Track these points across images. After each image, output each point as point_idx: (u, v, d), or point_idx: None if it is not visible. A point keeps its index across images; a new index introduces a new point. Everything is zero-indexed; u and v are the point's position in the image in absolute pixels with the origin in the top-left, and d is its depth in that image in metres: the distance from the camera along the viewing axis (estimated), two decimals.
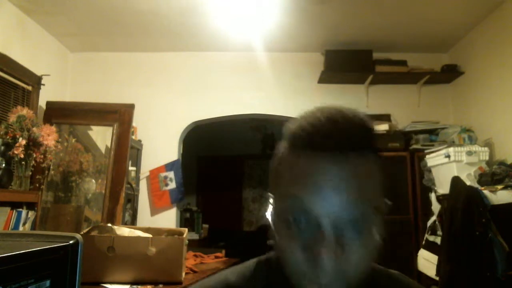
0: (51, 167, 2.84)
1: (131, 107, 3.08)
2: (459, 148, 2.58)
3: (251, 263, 0.65)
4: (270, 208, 0.56)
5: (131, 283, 1.67)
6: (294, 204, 0.50)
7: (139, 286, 1.66)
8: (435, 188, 2.76)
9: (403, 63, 3.46)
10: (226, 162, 6.47)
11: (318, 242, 0.48)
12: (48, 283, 0.55)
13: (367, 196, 0.50)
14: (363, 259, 0.50)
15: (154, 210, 3.49)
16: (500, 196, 2.13)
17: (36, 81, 3.03)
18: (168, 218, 3.47)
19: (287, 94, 3.59)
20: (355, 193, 0.49)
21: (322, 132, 0.51)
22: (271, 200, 0.57)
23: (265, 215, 0.57)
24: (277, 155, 0.58)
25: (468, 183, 2.35)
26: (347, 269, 0.49)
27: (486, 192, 2.14)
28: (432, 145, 3.11)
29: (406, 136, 3.25)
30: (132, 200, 3.28)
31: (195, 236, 4.54)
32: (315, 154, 0.50)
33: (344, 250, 0.49)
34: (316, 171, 0.50)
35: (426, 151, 3.05)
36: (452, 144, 2.95)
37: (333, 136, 0.50)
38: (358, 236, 0.50)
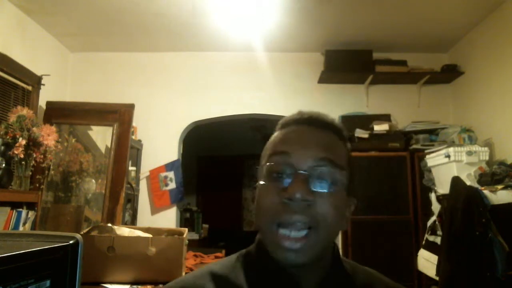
0: (51, 167, 2.84)
1: (131, 107, 3.08)
2: (459, 148, 2.58)
3: (233, 256, 0.72)
4: (260, 173, 0.66)
5: (131, 283, 1.67)
6: (280, 158, 0.62)
7: (139, 286, 1.66)
8: (435, 188, 2.76)
9: (403, 63, 3.46)
10: (226, 162, 6.48)
11: (294, 183, 0.58)
12: (48, 283, 0.55)
13: (333, 160, 0.62)
14: (328, 213, 0.59)
15: (154, 210, 3.49)
16: (500, 196, 2.13)
17: (36, 81, 3.03)
18: (168, 218, 3.47)
19: (287, 94, 3.59)
20: (324, 153, 0.62)
21: (305, 115, 0.68)
22: (261, 167, 0.67)
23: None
24: (270, 138, 0.71)
25: (468, 183, 2.35)
26: (315, 215, 0.58)
27: (486, 192, 2.14)
28: (432, 145, 3.11)
29: (406, 136, 3.25)
30: (132, 200, 3.28)
31: (195, 236, 4.54)
32: (298, 127, 0.66)
33: (314, 196, 0.58)
34: (298, 136, 0.65)
35: (426, 151, 3.05)
36: (452, 144, 2.96)
37: (312, 117, 0.68)
38: (326, 191, 0.60)
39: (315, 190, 0.59)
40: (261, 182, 0.63)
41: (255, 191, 0.67)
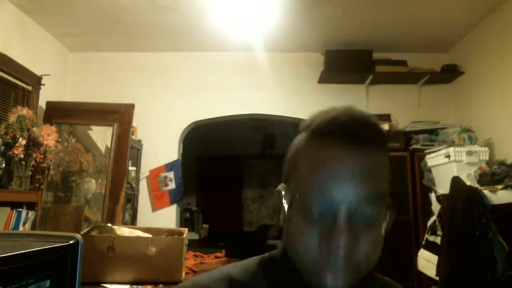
0: (51, 167, 2.84)
1: (131, 107, 3.08)
2: (459, 148, 2.58)
3: (254, 260, 0.65)
4: (283, 197, 0.59)
5: (131, 283, 1.67)
6: (313, 192, 0.53)
7: (139, 286, 1.66)
8: (435, 188, 2.76)
9: (403, 63, 3.46)
10: (226, 162, 6.48)
11: (333, 229, 0.51)
12: (48, 283, 0.55)
13: (382, 191, 0.53)
14: (372, 252, 0.53)
15: (154, 210, 3.49)
16: (500, 196, 2.13)
17: (36, 81, 3.03)
18: (168, 218, 3.47)
19: (287, 94, 3.59)
20: (373, 186, 0.52)
21: (347, 123, 0.54)
22: (284, 189, 0.59)
23: (282, 207, 0.59)
24: (294, 146, 0.60)
25: (468, 183, 2.35)
26: (358, 259, 0.52)
27: (486, 192, 2.14)
28: (432, 145, 3.11)
29: (406, 136, 3.25)
30: (132, 200, 3.28)
31: (195, 236, 4.54)
32: (337, 145, 0.54)
33: (357, 240, 0.51)
34: (339, 163, 0.53)
35: (426, 151, 3.05)
36: (452, 144, 2.95)
37: (355, 128, 0.54)
38: (370, 229, 0.53)
39: (359, 230, 0.52)
40: (295, 210, 0.55)
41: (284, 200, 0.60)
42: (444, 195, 2.56)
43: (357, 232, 0.52)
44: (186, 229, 1.92)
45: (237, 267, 0.64)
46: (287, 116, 3.61)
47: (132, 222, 3.27)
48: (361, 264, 0.53)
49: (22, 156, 2.31)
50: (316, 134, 0.56)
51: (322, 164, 0.54)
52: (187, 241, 1.86)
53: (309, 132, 0.58)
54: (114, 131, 3.00)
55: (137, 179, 3.43)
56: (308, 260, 0.54)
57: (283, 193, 0.60)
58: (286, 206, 0.58)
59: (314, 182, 0.53)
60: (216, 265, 2.55)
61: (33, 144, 2.42)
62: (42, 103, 3.08)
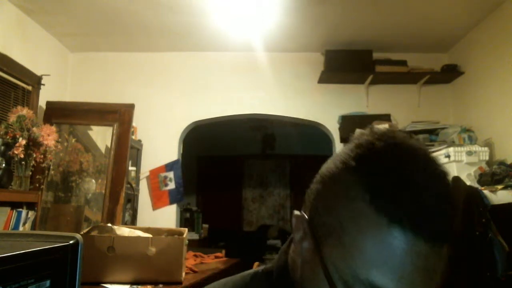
0: (51, 167, 2.84)
1: (131, 107, 3.08)
2: (459, 148, 2.58)
3: (246, 275, 0.61)
4: (304, 230, 0.52)
5: (131, 283, 1.67)
6: (365, 277, 0.45)
7: (139, 286, 1.66)
8: None
9: (403, 63, 3.46)
10: (226, 162, 6.48)
11: None
12: (48, 283, 0.55)
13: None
14: None
15: (154, 210, 3.49)
16: (500, 196, 2.13)
17: (36, 81, 3.03)
18: (168, 218, 3.47)
19: (287, 94, 3.59)
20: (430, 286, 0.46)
21: (434, 222, 0.45)
22: (306, 222, 0.52)
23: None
24: (356, 208, 0.47)
25: (468, 183, 2.35)
26: None
27: (486, 192, 2.14)
28: (432, 145, 3.11)
29: None
30: (132, 200, 3.28)
31: (195, 236, 4.55)
32: (415, 244, 0.44)
33: None
34: (410, 267, 0.44)
35: None
36: (452, 144, 2.95)
37: (445, 226, 0.46)
38: None
39: None
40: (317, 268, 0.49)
41: (307, 249, 0.52)
42: None
43: None
44: (186, 229, 1.93)
45: (226, 285, 0.60)
46: (287, 116, 3.61)
47: (132, 222, 3.27)
48: None
49: (22, 156, 2.31)
50: (399, 213, 0.44)
51: (392, 262, 0.44)
52: (187, 241, 1.86)
53: (384, 194, 0.45)
54: (114, 131, 3.00)
55: (137, 179, 3.43)
56: None
57: (304, 224, 0.52)
58: (311, 257, 0.51)
59: (375, 279, 0.44)
60: (216, 265, 2.55)
61: (33, 144, 2.42)
62: (42, 103, 3.08)
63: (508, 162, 2.54)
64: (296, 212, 0.54)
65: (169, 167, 3.50)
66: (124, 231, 1.80)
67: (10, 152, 2.27)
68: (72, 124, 3.05)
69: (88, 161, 2.97)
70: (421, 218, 0.44)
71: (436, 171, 0.49)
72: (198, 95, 3.62)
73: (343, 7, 2.87)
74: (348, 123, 3.34)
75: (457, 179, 2.36)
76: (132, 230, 1.84)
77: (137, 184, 3.42)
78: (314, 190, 0.53)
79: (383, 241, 0.44)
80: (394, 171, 0.46)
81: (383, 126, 3.16)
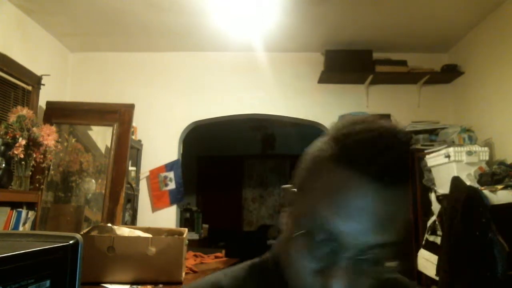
0: (51, 167, 2.84)
1: (131, 107, 3.08)
2: (459, 148, 2.57)
3: (244, 265, 0.63)
4: (288, 208, 0.56)
5: (131, 283, 1.67)
6: (322, 220, 0.49)
7: (139, 286, 1.66)
8: (435, 188, 2.76)
9: (403, 63, 3.46)
10: (226, 162, 6.48)
11: (335, 266, 0.48)
12: (48, 283, 0.55)
13: (394, 240, 0.49)
14: None
15: (154, 210, 3.49)
16: (500, 196, 2.13)
17: (36, 81, 3.03)
18: (168, 218, 3.47)
19: (287, 94, 3.59)
20: (389, 234, 0.48)
21: (384, 158, 0.47)
22: (293, 193, 0.56)
23: (280, 213, 0.57)
24: (317, 153, 0.54)
25: (468, 183, 2.35)
26: None
27: (486, 192, 2.14)
28: (432, 145, 3.11)
29: None
30: (132, 200, 3.28)
31: (195, 236, 4.55)
32: (359, 176, 0.48)
33: (357, 281, 0.48)
34: (361, 204, 0.47)
35: (426, 151, 3.05)
36: (452, 144, 2.95)
37: (392, 166, 0.48)
38: (374, 271, 0.49)
39: (359, 274, 0.49)
40: (302, 244, 0.51)
41: (289, 215, 0.57)
42: (444, 195, 2.56)
43: (356, 277, 0.48)
44: (186, 229, 1.93)
45: (226, 275, 0.61)
46: (287, 116, 3.61)
47: (132, 222, 3.27)
48: None
49: (22, 156, 2.31)
50: (346, 155, 0.49)
51: (343, 200, 0.48)
52: (187, 241, 1.86)
53: (339, 146, 0.51)
54: (114, 131, 3.00)
55: (137, 179, 3.43)
56: (302, 284, 0.51)
57: (292, 194, 0.56)
58: (290, 220, 0.55)
59: (329, 216, 0.48)
60: (216, 265, 2.55)
61: (33, 144, 2.42)
62: (42, 103, 3.08)
63: (508, 162, 2.54)
64: (284, 186, 0.59)
65: (169, 167, 3.50)
66: (124, 231, 1.80)
67: (10, 152, 2.27)
68: (72, 124, 3.05)
69: (88, 161, 2.97)
70: (364, 157, 0.47)
71: (384, 127, 0.50)
72: (198, 95, 3.62)
73: (343, 7, 2.87)
74: None
75: (457, 179, 2.36)
76: (132, 230, 1.84)
77: (137, 184, 3.42)
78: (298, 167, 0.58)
79: (334, 183, 0.49)
80: (349, 130, 0.51)
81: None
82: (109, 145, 2.99)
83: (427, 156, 2.87)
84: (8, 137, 2.30)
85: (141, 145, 3.48)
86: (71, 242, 0.60)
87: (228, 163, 6.50)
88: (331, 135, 0.53)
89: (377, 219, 0.47)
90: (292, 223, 0.54)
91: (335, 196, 0.48)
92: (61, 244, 0.59)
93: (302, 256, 0.51)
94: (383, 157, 0.47)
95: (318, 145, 0.55)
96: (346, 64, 3.42)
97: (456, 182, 2.34)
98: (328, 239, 0.48)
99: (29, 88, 2.99)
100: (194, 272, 2.13)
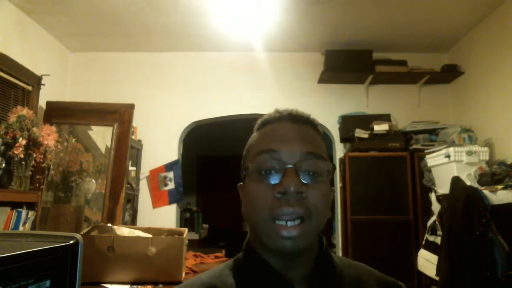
0: (51, 167, 2.84)
1: (131, 107, 3.08)
2: (459, 148, 2.57)
3: (223, 264, 0.73)
4: (246, 172, 0.68)
5: (131, 283, 1.67)
6: (268, 155, 0.64)
7: (139, 286, 1.66)
8: (435, 188, 2.76)
9: (403, 63, 3.46)
10: (226, 162, 6.46)
11: (285, 178, 0.61)
12: (48, 283, 0.55)
13: (319, 153, 0.66)
14: (321, 203, 0.63)
15: (154, 210, 3.49)
16: (500, 196, 2.12)
17: (36, 81, 3.03)
18: (168, 218, 3.47)
19: (287, 94, 3.59)
20: (311, 146, 0.65)
21: (284, 112, 0.72)
22: (246, 166, 0.69)
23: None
24: (248, 144, 0.73)
25: (468, 183, 2.35)
26: (308, 205, 0.61)
27: (486, 192, 2.14)
28: (432, 145, 3.11)
29: (406, 136, 3.24)
30: (132, 200, 3.28)
31: (195, 236, 4.54)
32: (280, 125, 0.69)
33: (306, 187, 0.61)
34: (282, 133, 0.67)
35: (426, 151, 3.05)
36: (452, 144, 2.95)
37: (292, 114, 0.71)
38: (316, 183, 0.63)
39: (305, 182, 0.62)
40: (250, 181, 0.65)
41: (241, 192, 0.71)
42: (444, 195, 2.56)
43: (305, 184, 0.61)
44: (186, 229, 1.93)
45: (208, 273, 0.71)
46: None
47: (132, 222, 3.27)
48: (311, 211, 0.61)
49: (22, 156, 2.31)
50: (262, 124, 0.72)
51: (271, 134, 0.68)
52: (187, 241, 1.86)
53: (257, 126, 0.73)
54: (114, 131, 3.00)
55: (137, 179, 3.43)
56: (263, 215, 0.61)
57: (241, 187, 0.71)
58: (243, 188, 0.69)
59: (265, 145, 0.65)
60: (216, 265, 2.55)
61: (33, 144, 2.42)
62: (42, 103, 3.08)
63: (508, 162, 2.54)
64: (238, 185, 0.73)
65: (169, 167, 3.50)
66: (124, 231, 1.80)
67: (10, 152, 2.27)
68: (72, 124, 3.05)
69: (88, 161, 2.97)
70: (273, 115, 0.73)
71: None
72: (198, 95, 3.62)
73: (343, 7, 2.87)
74: (348, 123, 3.34)
75: (457, 179, 2.36)
76: (132, 230, 1.84)
77: (137, 184, 3.42)
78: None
79: (262, 133, 0.71)
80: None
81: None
82: (109, 145, 2.99)
83: (427, 156, 2.87)
84: (8, 137, 2.30)
85: (141, 145, 3.48)
86: (71, 242, 0.60)
87: (228, 163, 6.47)
88: (254, 130, 0.75)
89: (297, 137, 0.66)
90: (243, 189, 0.69)
91: (267, 135, 0.68)
92: (61, 244, 0.59)
93: (258, 191, 0.63)
94: (288, 110, 0.72)
95: (248, 143, 0.74)
96: (346, 64, 3.42)
97: (456, 182, 2.34)
98: (273, 164, 0.63)
99: (29, 88, 2.99)
100: (194, 272, 2.13)
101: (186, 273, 1.93)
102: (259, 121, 0.74)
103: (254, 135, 0.73)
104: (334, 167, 0.67)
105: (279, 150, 0.64)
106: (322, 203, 0.63)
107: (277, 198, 0.61)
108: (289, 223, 0.60)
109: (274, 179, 0.62)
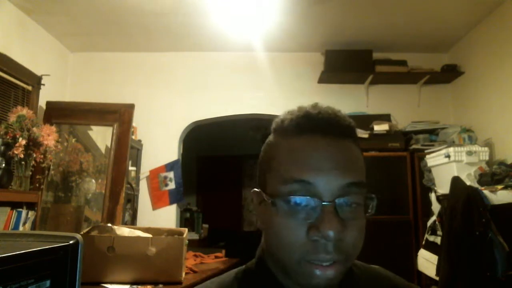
0: (51, 167, 2.84)
1: (131, 107, 3.08)
2: (459, 148, 2.57)
3: (232, 272, 0.66)
4: (261, 199, 0.59)
5: (131, 283, 1.67)
6: (301, 187, 0.53)
7: (139, 286, 1.66)
8: (435, 188, 2.76)
9: (403, 63, 3.46)
10: (226, 162, 6.47)
11: (322, 218, 0.52)
12: (48, 283, 0.55)
13: (361, 180, 0.56)
14: (358, 241, 0.55)
15: (154, 210, 3.49)
16: (500, 196, 2.12)
17: (36, 81, 3.03)
18: (168, 218, 3.47)
19: (287, 94, 3.59)
20: (352, 175, 0.54)
21: (320, 119, 0.56)
22: (260, 192, 0.60)
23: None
24: (268, 147, 0.62)
25: (468, 183, 2.35)
26: (346, 249, 0.53)
27: (486, 192, 2.14)
28: (432, 145, 3.11)
29: (406, 136, 3.24)
30: (132, 200, 3.28)
31: (195, 236, 4.54)
32: (313, 139, 0.56)
33: (345, 228, 0.52)
34: (317, 156, 0.54)
35: (426, 151, 3.05)
36: (452, 144, 2.95)
37: (330, 123, 0.56)
38: (354, 219, 0.54)
39: (344, 219, 0.53)
40: (276, 210, 0.55)
41: (261, 203, 0.61)
42: (444, 195, 2.56)
43: (343, 221, 0.53)
44: (186, 229, 1.93)
45: (214, 283, 0.64)
46: None
47: (132, 222, 3.27)
48: (349, 254, 0.54)
49: (22, 156, 2.31)
50: (290, 131, 0.58)
51: (305, 157, 0.55)
52: (187, 241, 1.86)
53: (282, 131, 0.60)
54: (114, 131, 3.00)
55: (137, 179, 3.43)
56: (295, 256, 0.53)
57: (261, 193, 0.60)
58: (265, 207, 0.58)
59: (298, 174, 0.54)
60: (216, 265, 2.55)
61: (33, 144, 2.42)
62: (42, 103, 3.08)
63: (508, 162, 2.54)
64: (253, 190, 0.64)
65: (169, 167, 3.50)
66: (124, 231, 1.80)
67: (10, 152, 2.27)
68: (72, 124, 3.05)
69: (88, 161, 2.97)
70: (301, 120, 0.58)
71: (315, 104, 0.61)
72: (198, 95, 3.62)
73: (343, 7, 2.87)
74: None
75: (457, 179, 2.36)
76: (132, 230, 1.84)
77: (137, 184, 3.42)
78: (258, 169, 0.65)
79: (287, 146, 0.57)
80: (284, 117, 0.62)
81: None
82: (109, 145, 2.99)
83: (427, 156, 2.87)
84: (8, 137, 2.30)
85: (141, 145, 3.48)
86: (71, 242, 0.60)
87: (228, 163, 6.49)
88: (273, 130, 0.63)
89: (336, 163, 0.54)
90: (265, 209, 0.58)
91: (299, 156, 0.55)
92: (61, 244, 0.59)
93: (288, 225, 0.54)
94: (324, 116, 0.57)
95: (266, 143, 0.64)
96: (346, 64, 3.42)
97: (456, 182, 2.34)
98: (308, 197, 0.53)
99: (29, 88, 2.99)
100: (194, 272, 2.13)
101: (186, 273, 1.93)
102: (284, 122, 0.60)
103: (278, 143, 0.59)
104: (377, 199, 0.57)
105: (314, 182, 0.53)
106: (359, 244, 0.55)
107: (313, 241, 0.52)
108: (324, 263, 0.53)
109: (309, 218, 0.53)
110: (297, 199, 0.53)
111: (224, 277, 0.65)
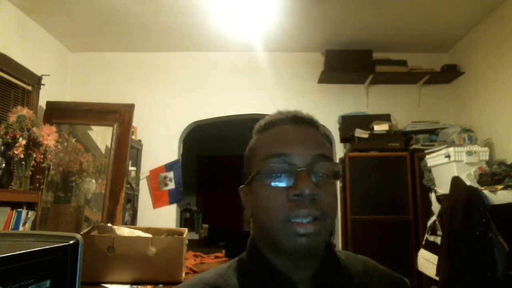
0: (51, 167, 2.84)
1: (131, 107, 3.08)
2: (459, 148, 2.57)
3: (227, 264, 0.73)
4: (246, 194, 0.71)
5: (131, 283, 1.67)
6: (280, 159, 0.65)
7: (139, 286, 1.66)
8: (435, 188, 2.76)
9: (403, 63, 3.46)
10: (226, 162, 6.47)
11: (299, 181, 0.62)
12: (48, 283, 0.55)
13: (327, 154, 0.67)
14: (333, 202, 0.64)
15: (154, 210, 3.49)
16: (500, 196, 2.12)
17: (36, 81, 3.03)
18: (168, 218, 3.47)
19: (287, 94, 3.59)
20: (319, 148, 0.67)
21: (289, 114, 0.73)
22: (245, 188, 0.71)
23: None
24: (250, 146, 0.74)
25: (468, 183, 2.35)
26: (323, 207, 0.62)
27: (486, 192, 2.14)
28: (432, 145, 3.11)
29: (406, 136, 3.24)
30: (132, 200, 3.28)
31: (195, 236, 4.55)
32: (286, 127, 0.69)
33: (319, 188, 0.62)
34: (291, 136, 0.68)
35: (426, 151, 3.05)
36: (452, 144, 2.95)
37: (297, 115, 0.72)
38: (327, 184, 0.64)
39: (318, 183, 0.63)
40: (260, 184, 0.65)
41: (244, 195, 0.72)
42: (444, 195, 2.56)
43: (318, 185, 0.62)
44: (186, 229, 1.92)
45: (211, 272, 0.71)
46: None
47: (132, 222, 3.27)
48: (325, 210, 0.62)
49: (22, 156, 2.31)
50: (267, 126, 0.71)
51: (280, 138, 0.67)
52: (187, 241, 1.86)
53: (260, 129, 0.73)
54: (114, 131, 3.00)
55: (137, 179, 3.43)
56: (279, 218, 0.62)
57: (247, 182, 0.71)
58: (251, 193, 0.69)
59: (276, 149, 0.65)
60: (216, 265, 2.54)
61: (33, 144, 2.42)
62: (42, 103, 3.08)
63: (508, 162, 2.54)
64: (239, 188, 0.75)
65: (169, 167, 3.50)
66: (124, 231, 1.80)
67: (10, 152, 2.27)
68: (72, 124, 3.05)
69: (88, 161, 2.97)
70: (275, 117, 0.74)
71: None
72: (198, 95, 3.62)
73: (343, 7, 2.87)
74: (348, 123, 3.34)
75: (457, 179, 2.36)
76: (132, 230, 1.84)
77: (137, 184, 3.42)
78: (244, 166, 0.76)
79: (266, 137, 0.70)
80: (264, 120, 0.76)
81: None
82: (109, 145, 2.99)
83: (427, 156, 2.87)
84: (8, 137, 2.30)
85: (141, 145, 3.48)
86: (71, 242, 0.60)
87: (228, 163, 6.48)
88: (254, 133, 0.75)
89: (306, 140, 0.67)
90: (251, 194, 0.69)
91: (276, 139, 0.68)
92: (61, 244, 0.59)
93: (270, 194, 0.63)
94: (293, 112, 0.73)
95: (249, 145, 0.75)
96: (346, 64, 3.42)
97: (456, 182, 2.34)
98: (285, 167, 0.64)
99: (29, 88, 2.99)
100: (194, 272, 2.13)
101: (186, 273, 1.93)
102: (261, 123, 0.74)
103: (258, 137, 0.72)
104: (343, 169, 0.68)
105: (290, 153, 0.64)
106: (333, 204, 0.65)
107: (292, 201, 0.61)
108: (305, 220, 0.61)
109: (288, 182, 0.63)
110: (276, 165, 0.64)
111: (221, 267, 0.73)
